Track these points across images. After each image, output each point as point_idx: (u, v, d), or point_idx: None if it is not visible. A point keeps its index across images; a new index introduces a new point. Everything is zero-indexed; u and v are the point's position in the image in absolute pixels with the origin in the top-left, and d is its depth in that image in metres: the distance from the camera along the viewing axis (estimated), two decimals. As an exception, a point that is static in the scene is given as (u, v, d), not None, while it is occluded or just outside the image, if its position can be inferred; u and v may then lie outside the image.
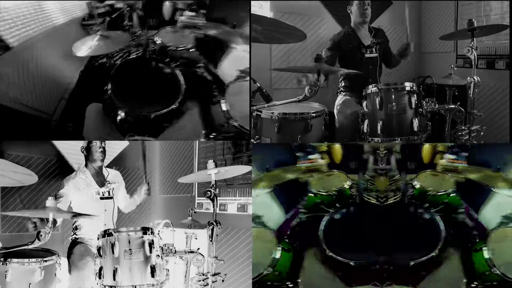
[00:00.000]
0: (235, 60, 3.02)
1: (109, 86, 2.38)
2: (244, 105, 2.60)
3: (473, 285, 1.77)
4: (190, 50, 2.89)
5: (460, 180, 2.26)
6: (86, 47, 2.53)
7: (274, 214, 2.28)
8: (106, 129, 2.43)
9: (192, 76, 2.78)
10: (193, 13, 3.58)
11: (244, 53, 2.91)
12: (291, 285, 1.86)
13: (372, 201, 2.13)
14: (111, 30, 2.83)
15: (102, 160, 2.82)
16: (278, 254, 1.90)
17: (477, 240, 1.92)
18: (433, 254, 1.82)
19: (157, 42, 2.78)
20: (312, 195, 2.21)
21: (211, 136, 2.55)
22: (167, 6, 3.77)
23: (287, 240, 2.00)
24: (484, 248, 1.80)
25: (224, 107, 2.49)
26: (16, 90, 2.45)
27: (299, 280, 1.86)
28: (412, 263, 1.80)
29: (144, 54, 2.80)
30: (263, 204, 2.28)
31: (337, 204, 2.14)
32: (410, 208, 2.03)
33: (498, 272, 1.74)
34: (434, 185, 2.19)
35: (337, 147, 2.51)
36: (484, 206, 2.21)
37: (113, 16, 3.59)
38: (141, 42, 2.91)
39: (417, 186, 2.20)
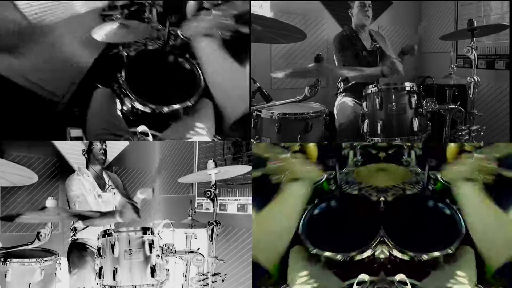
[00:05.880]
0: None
1: (123, 74, 2.27)
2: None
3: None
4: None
5: (487, 181, 2.06)
6: (103, 31, 2.42)
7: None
8: (111, 118, 2.30)
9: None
10: (219, 13, 3.37)
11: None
12: None
13: (354, 193, 2.00)
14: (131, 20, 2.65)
15: (103, 163, 2.78)
16: None
17: None
18: (449, 251, 1.71)
19: (180, 36, 2.57)
20: None
21: (214, 138, 2.47)
22: (191, 5, 3.51)
23: None
24: None
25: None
26: (32, 69, 2.42)
27: (289, 282, 1.78)
28: (426, 257, 1.70)
29: (163, 47, 2.61)
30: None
31: (316, 200, 2.02)
32: (429, 202, 1.93)
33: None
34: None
35: (312, 146, 2.34)
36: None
37: (132, 9, 3.46)
38: (160, 36, 2.71)
39: (442, 180, 2.04)
